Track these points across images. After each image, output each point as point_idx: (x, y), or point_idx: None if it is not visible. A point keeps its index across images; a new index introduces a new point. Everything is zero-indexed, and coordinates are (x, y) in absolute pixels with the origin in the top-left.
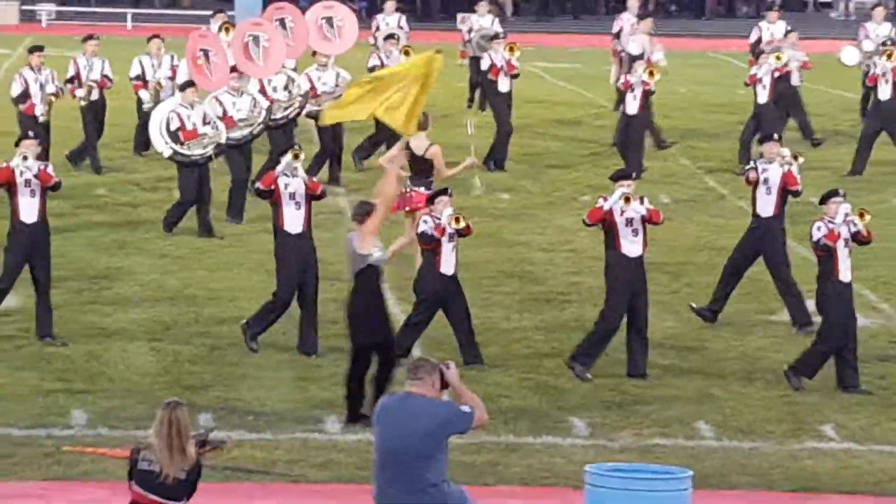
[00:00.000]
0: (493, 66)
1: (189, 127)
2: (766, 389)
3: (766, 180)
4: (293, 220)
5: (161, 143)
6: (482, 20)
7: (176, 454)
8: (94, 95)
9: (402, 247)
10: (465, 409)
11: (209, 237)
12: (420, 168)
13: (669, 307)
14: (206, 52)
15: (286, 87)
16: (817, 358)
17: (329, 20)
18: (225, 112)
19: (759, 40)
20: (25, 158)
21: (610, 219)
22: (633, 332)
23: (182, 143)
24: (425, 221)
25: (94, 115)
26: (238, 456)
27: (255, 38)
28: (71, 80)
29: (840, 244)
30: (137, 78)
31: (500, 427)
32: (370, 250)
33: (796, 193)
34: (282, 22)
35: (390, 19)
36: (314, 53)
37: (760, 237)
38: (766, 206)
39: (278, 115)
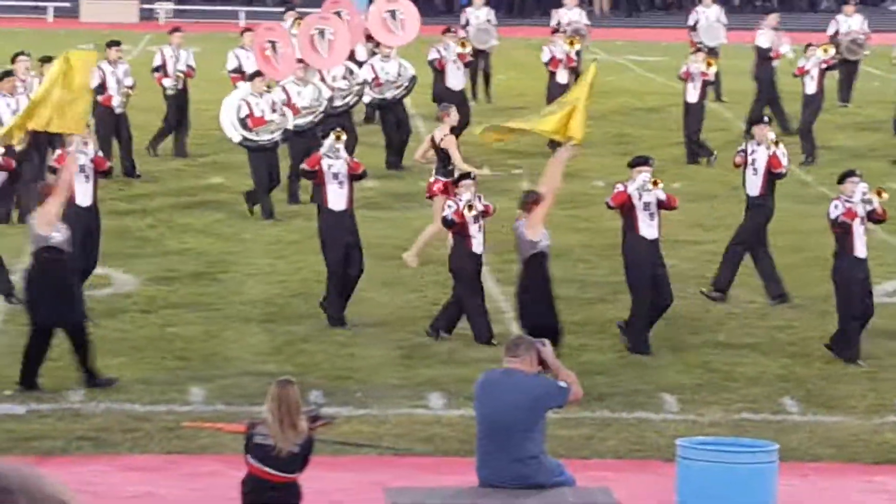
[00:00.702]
0: (553, 58)
1: (257, 114)
2: (849, 366)
3: (753, 161)
4: (336, 199)
5: (231, 130)
6: (570, 14)
7: (287, 429)
8: (179, 85)
9: (432, 235)
10: (562, 384)
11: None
12: (441, 156)
13: (759, 287)
14: (273, 44)
15: (345, 77)
16: (847, 335)
17: (392, 13)
18: (289, 100)
19: (836, 33)
20: (86, 144)
21: (629, 203)
22: (657, 312)
23: (250, 130)
24: (449, 206)
25: (179, 104)
26: (347, 431)
27: (321, 32)
28: (157, 70)
29: (857, 222)
30: (235, 70)
31: (594, 403)
32: (538, 237)
33: (780, 175)
34: (337, 14)
35: (480, 13)
36: (377, 44)
37: (750, 215)
38: (753, 186)
39: (338, 104)
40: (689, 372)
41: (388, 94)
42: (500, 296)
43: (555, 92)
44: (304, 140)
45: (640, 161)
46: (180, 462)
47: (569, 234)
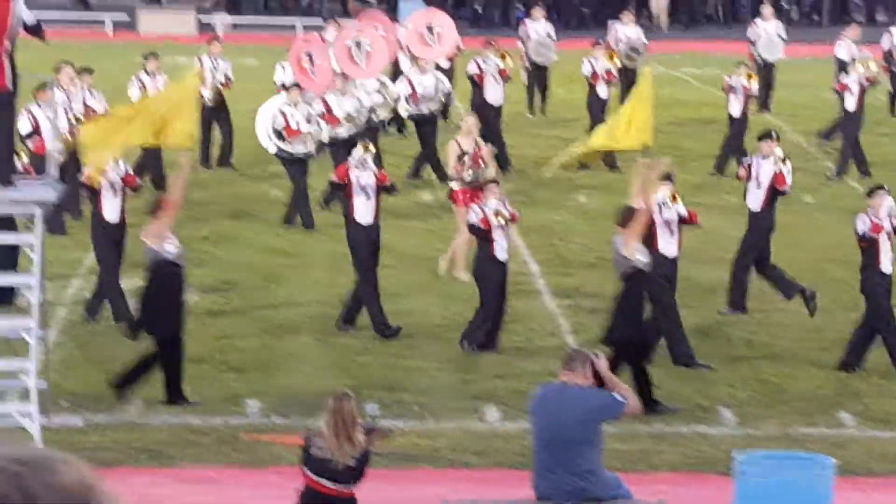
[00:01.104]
0: (594, 73)
1: (293, 125)
2: None
3: (757, 175)
4: (363, 211)
5: (266, 140)
6: (627, 30)
7: (344, 442)
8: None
9: (465, 244)
10: (618, 396)
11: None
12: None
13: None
14: (310, 56)
15: (378, 91)
16: (862, 345)
17: (430, 27)
18: (329, 111)
19: (892, 47)
20: (116, 161)
21: (650, 219)
22: (669, 324)
23: (285, 140)
24: (475, 212)
25: (218, 114)
26: (403, 443)
27: (359, 44)
28: None
29: (883, 236)
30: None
31: (651, 416)
32: (634, 253)
33: (783, 192)
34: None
35: (539, 27)
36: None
37: (751, 228)
38: (755, 200)
39: (382, 115)
40: (746, 385)
41: (425, 109)
42: (556, 309)
43: (595, 106)
44: (347, 151)
45: (661, 176)
46: (237, 474)
47: None
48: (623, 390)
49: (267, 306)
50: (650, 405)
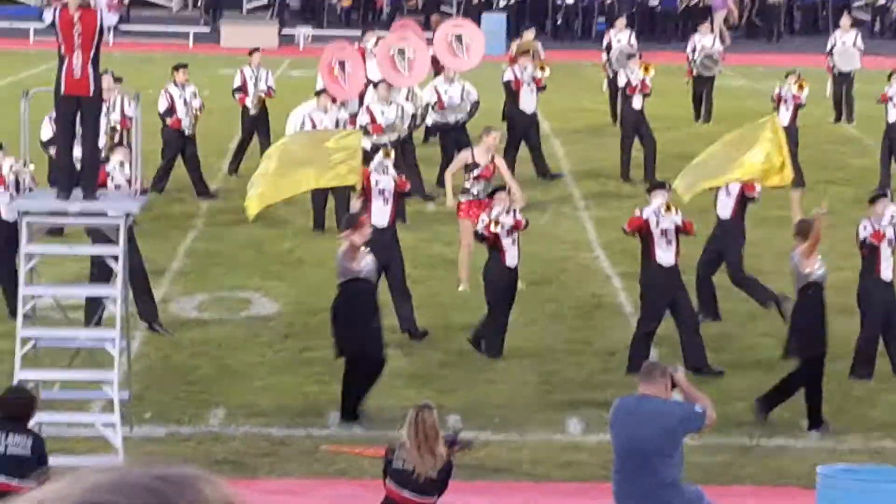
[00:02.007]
0: (629, 83)
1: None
2: None
3: (727, 184)
4: (380, 215)
5: None
6: (705, 40)
7: (425, 454)
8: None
9: (468, 256)
10: (698, 409)
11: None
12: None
13: None
14: (342, 63)
15: (408, 99)
16: (865, 349)
17: (459, 37)
18: (374, 119)
19: None
20: (122, 165)
21: (646, 228)
22: (685, 331)
23: None
24: (482, 220)
25: (260, 123)
26: (485, 455)
27: (401, 51)
28: (238, 90)
29: (884, 244)
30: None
31: (733, 429)
32: (810, 267)
33: (753, 199)
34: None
35: (622, 36)
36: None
37: (720, 238)
38: (725, 208)
39: (417, 123)
40: (829, 399)
41: (451, 118)
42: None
43: (629, 117)
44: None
45: (655, 185)
46: (319, 486)
47: None
48: (703, 402)
49: None
50: (817, 422)
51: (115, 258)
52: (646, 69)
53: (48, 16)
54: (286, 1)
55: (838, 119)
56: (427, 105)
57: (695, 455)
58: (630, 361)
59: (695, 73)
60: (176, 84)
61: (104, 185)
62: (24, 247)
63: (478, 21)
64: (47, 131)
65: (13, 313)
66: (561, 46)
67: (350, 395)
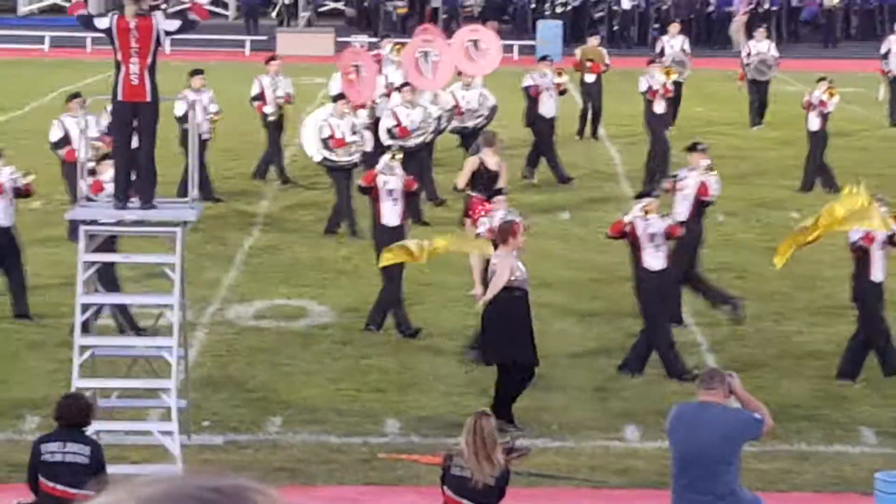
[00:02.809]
0: (650, 88)
1: (338, 135)
2: None
3: (683, 187)
4: (390, 214)
5: (312, 149)
6: (759, 45)
7: (483, 461)
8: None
9: (480, 261)
10: (757, 415)
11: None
12: (487, 182)
13: None
14: (357, 68)
15: (432, 102)
16: (857, 353)
17: (475, 43)
18: (399, 123)
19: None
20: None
21: (633, 233)
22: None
23: (331, 150)
24: (483, 224)
25: (279, 129)
26: (542, 462)
27: (425, 55)
28: (256, 98)
29: (875, 246)
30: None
31: (792, 436)
32: None
33: (707, 203)
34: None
35: (675, 42)
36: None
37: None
38: (682, 211)
39: (443, 125)
40: (888, 404)
41: (470, 123)
42: (694, 328)
43: (653, 121)
44: (416, 161)
45: (641, 194)
46: (376, 493)
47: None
48: (760, 409)
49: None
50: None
51: (172, 267)
52: (667, 73)
53: (104, 23)
54: (342, 9)
55: (895, 123)
56: (452, 108)
57: (753, 462)
58: (668, 369)
59: (749, 77)
60: (192, 89)
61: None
62: (82, 256)
63: (534, 28)
64: (56, 132)
65: (21, 316)
66: (617, 53)
67: (503, 403)
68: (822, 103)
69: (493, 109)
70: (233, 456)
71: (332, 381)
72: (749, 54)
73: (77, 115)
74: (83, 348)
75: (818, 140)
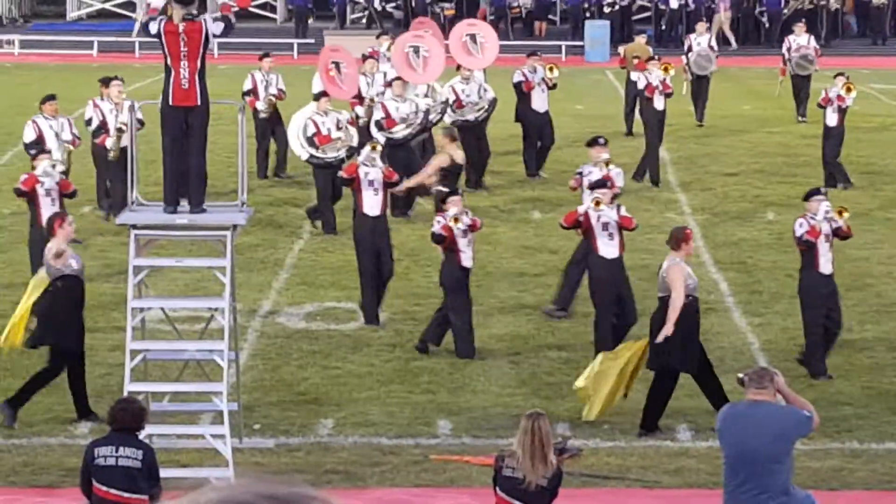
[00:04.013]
0: (648, 84)
1: (324, 132)
2: None
3: (588, 183)
4: (371, 203)
5: (298, 147)
6: (800, 39)
7: (538, 462)
8: (270, 109)
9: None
10: (807, 413)
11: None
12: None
13: None
14: (337, 65)
15: (426, 95)
16: (811, 349)
17: (473, 37)
18: (388, 115)
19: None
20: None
21: (587, 223)
22: (623, 329)
23: (317, 147)
24: (437, 221)
25: (273, 126)
26: (594, 463)
27: (416, 49)
28: (248, 93)
29: (821, 239)
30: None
31: (843, 434)
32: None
33: (617, 195)
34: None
35: (702, 39)
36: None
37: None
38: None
39: (432, 118)
40: None
41: (470, 116)
42: (746, 327)
43: (652, 118)
44: (404, 152)
45: (596, 184)
46: (428, 495)
47: None
48: (806, 406)
49: None
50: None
51: (223, 270)
52: (665, 69)
53: (154, 27)
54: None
55: None
56: (446, 101)
57: (805, 460)
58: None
59: (791, 72)
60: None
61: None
62: (133, 260)
63: (582, 29)
64: (30, 133)
65: None
66: (665, 52)
67: (655, 410)
68: (840, 98)
69: (493, 102)
70: (284, 459)
71: (382, 383)
72: (790, 49)
73: (51, 116)
74: (135, 352)
75: (836, 136)
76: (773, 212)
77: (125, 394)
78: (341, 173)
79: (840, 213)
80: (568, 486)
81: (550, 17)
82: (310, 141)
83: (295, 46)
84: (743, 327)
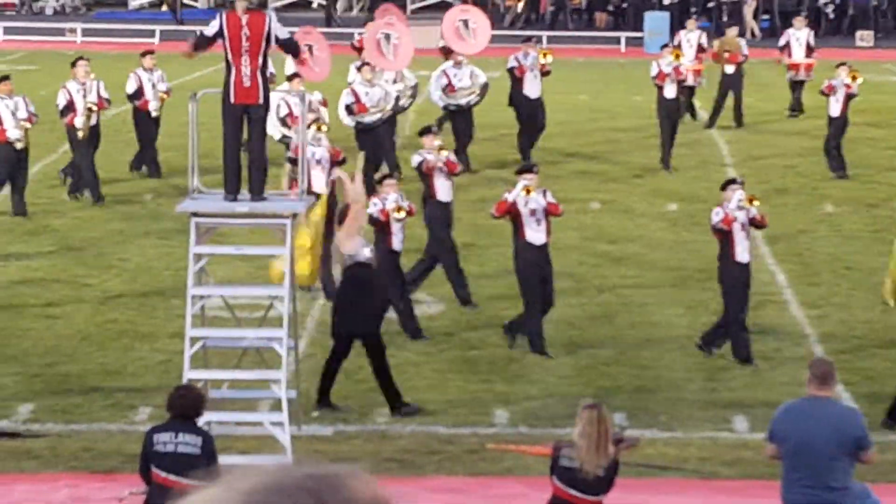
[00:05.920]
0: (660, 72)
1: (296, 113)
2: None
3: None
4: (319, 182)
5: (271, 128)
6: (799, 33)
7: (600, 452)
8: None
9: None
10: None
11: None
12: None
13: None
14: (310, 48)
15: (395, 81)
16: (734, 336)
17: (465, 22)
18: (358, 99)
19: None
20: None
21: (515, 210)
22: (543, 309)
23: (289, 128)
24: (374, 204)
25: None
26: (651, 453)
27: (387, 36)
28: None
29: (736, 227)
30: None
31: None
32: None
33: (455, 174)
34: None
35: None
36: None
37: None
38: (443, 190)
39: (402, 104)
40: None
41: (463, 101)
42: (803, 319)
43: (663, 105)
44: (373, 136)
45: (523, 168)
46: (485, 484)
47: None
48: None
49: (513, 316)
50: None
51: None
52: (676, 56)
53: (214, 26)
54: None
55: None
56: (414, 87)
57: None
58: (531, 345)
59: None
60: (144, 69)
61: None
62: (192, 248)
63: (641, 19)
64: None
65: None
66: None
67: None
68: (847, 86)
69: (485, 87)
70: (342, 446)
71: (439, 371)
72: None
73: (5, 97)
74: (194, 340)
75: (840, 125)
76: (832, 204)
77: (184, 381)
78: (289, 153)
79: (751, 200)
80: (624, 477)
81: (609, 7)
82: (282, 121)
83: (354, 37)
84: (800, 318)
